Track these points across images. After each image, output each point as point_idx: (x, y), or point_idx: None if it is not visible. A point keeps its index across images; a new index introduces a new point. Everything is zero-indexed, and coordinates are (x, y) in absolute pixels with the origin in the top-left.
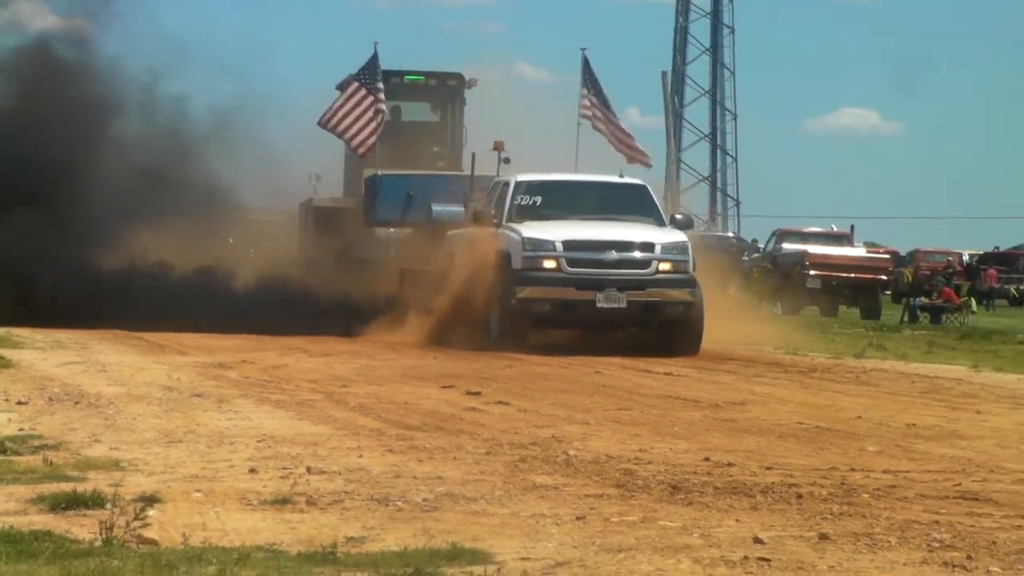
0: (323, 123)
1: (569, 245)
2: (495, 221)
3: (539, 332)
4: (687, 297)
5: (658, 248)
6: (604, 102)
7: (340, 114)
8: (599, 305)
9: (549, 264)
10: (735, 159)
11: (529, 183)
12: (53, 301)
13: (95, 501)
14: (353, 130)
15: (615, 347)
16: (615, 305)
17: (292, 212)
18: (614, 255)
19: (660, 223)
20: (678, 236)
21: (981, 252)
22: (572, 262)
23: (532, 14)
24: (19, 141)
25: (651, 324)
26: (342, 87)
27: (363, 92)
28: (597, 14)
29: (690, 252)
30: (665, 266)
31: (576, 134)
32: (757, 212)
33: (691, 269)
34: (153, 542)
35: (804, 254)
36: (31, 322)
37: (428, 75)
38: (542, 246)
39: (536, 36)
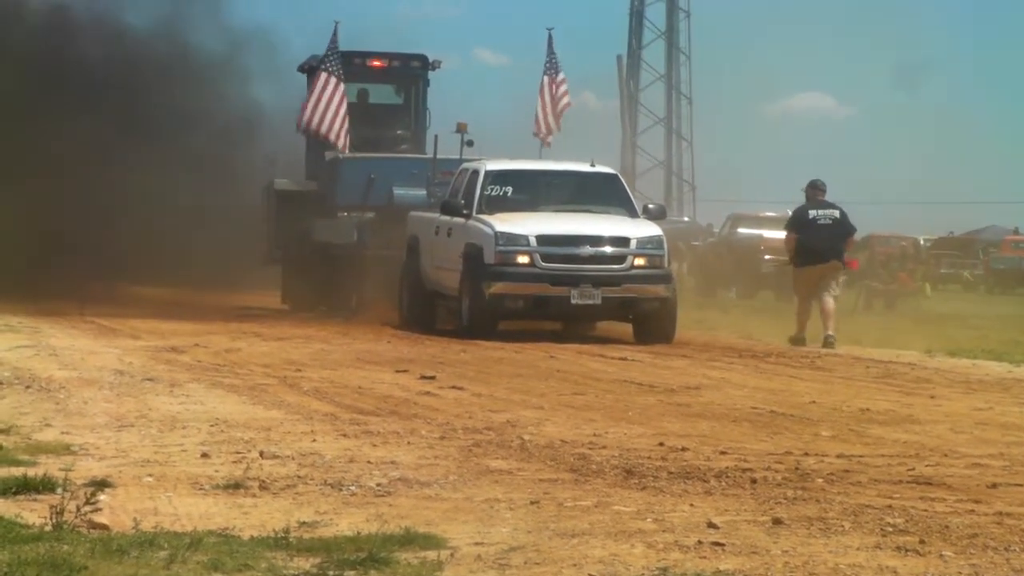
0: (302, 128)
1: (543, 240)
2: (465, 212)
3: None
4: (663, 292)
5: (633, 243)
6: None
7: (316, 112)
8: (573, 301)
9: (522, 259)
10: (690, 143)
11: (499, 172)
12: None
13: (46, 486)
14: (331, 125)
15: (585, 337)
16: (590, 301)
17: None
18: (589, 250)
19: (633, 214)
20: (653, 230)
21: (936, 237)
22: (546, 257)
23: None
24: None
25: (625, 318)
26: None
27: (333, 81)
28: None
29: (665, 246)
30: (640, 261)
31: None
32: (712, 197)
33: (666, 264)
34: (104, 527)
35: (759, 239)
36: None
37: (392, 56)
38: (515, 240)
39: (492, 20)
